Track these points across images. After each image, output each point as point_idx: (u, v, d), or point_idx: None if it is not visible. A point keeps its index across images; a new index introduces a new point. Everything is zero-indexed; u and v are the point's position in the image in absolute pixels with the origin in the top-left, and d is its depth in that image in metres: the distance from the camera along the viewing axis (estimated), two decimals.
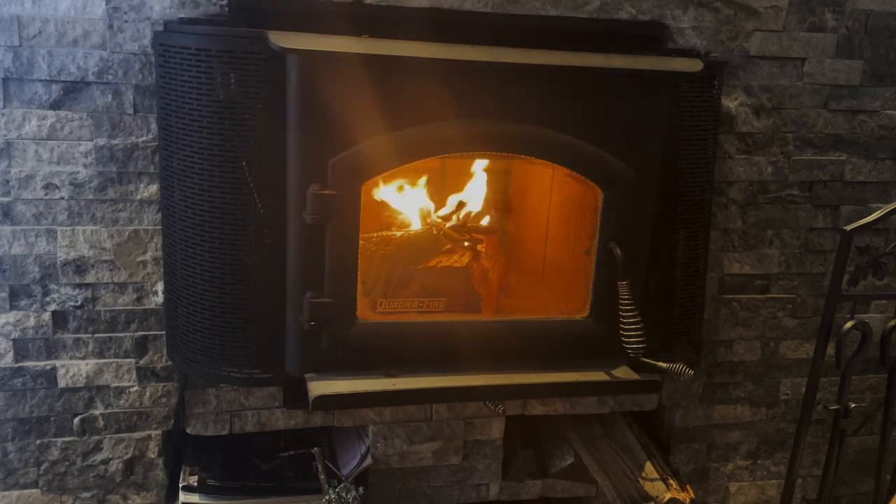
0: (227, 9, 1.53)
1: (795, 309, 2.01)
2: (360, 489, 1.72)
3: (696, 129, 1.69)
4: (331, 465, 1.82)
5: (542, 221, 1.87)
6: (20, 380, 1.65)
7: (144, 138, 1.58)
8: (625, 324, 1.62)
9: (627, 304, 1.61)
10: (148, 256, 1.64)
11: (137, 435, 1.74)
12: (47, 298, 1.62)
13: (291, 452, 1.86)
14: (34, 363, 1.65)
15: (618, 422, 2.04)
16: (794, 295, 2.00)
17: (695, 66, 1.60)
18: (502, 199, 2.02)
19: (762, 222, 1.92)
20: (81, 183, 1.58)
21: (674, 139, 1.66)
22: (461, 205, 1.90)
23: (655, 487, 1.85)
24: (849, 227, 1.59)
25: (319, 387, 1.52)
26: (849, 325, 1.63)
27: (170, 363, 1.69)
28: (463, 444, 1.92)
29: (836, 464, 1.72)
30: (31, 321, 1.63)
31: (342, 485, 1.73)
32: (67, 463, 1.72)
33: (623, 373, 1.67)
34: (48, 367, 1.66)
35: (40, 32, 1.49)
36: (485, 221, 1.98)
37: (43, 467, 1.71)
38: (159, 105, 1.52)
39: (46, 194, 1.57)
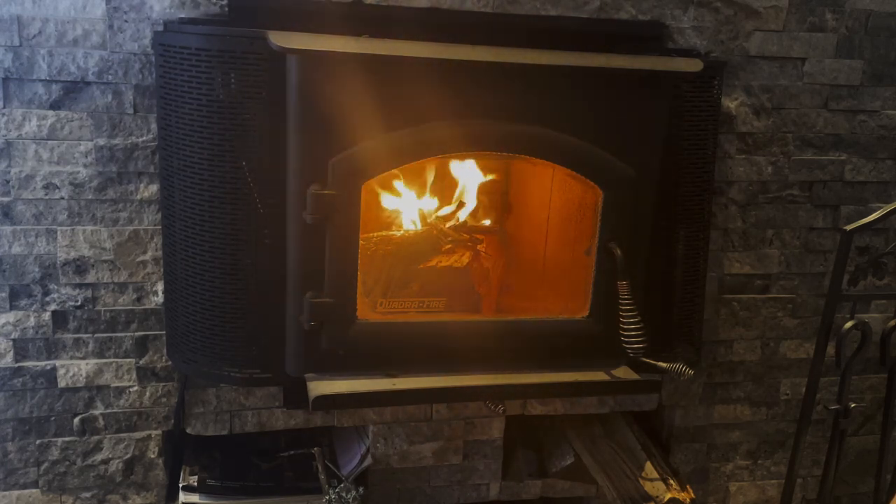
0: (227, 9, 1.53)
1: (795, 309, 2.01)
2: (360, 489, 1.72)
3: (696, 129, 1.69)
4: (331, 465, 1.82)
5: (542, 221, 1.87)
6: (20, 380, 1.65)
7: (144, 138, 1.58)
8: (625, 324, 1.62)
9: (627, 304, 1.61)
10: (148, 256, 1.64)
11: (137, 435, 1.74)
12: (47, 298, 1.62)
13: (291, 452, 1.86)
14: (34, 363, 1.65)
15: (618, 422, 2.04)
16: (794, 295, 2.00)
17: (695, 66, 1.60)
18: (502, 199, 2.02)
19: (762, 222, 1.92)
20: (81, 183, 1.58)
21: (674, 139, 1.66)
22: (461, 205, 1.90)
23: (655, 487, 1.85)
24: (849, 227, 1.59)
25: (319, 387, 1.52)
26: (849, 325, 1.63)
27: (170, 363, 1.69)
28: (463, 444, 1.92)
29: (836, 464, 1.72)
30: (31, 321, 1.63)
31: (342, 485, 1.74)
32: (67, 463, 1.72)
33: (623, 373, 1.67)
34: (48, 367, 1.66)
35: (40, 32, 1.49)
36: (485, 222, 1.98)
37: (43, 467, 1.71)
38: (159, 105, 1.52)
39: (46, 194, 1.57)
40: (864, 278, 1.70)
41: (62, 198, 1.58)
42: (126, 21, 1.51)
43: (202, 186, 1.48)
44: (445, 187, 1.90)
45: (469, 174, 1.87)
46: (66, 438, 1.71)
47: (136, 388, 1.71)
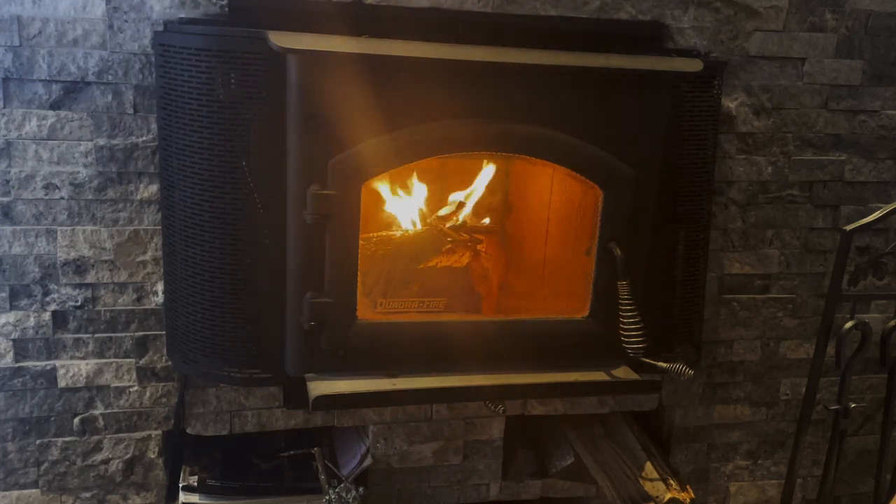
0: (227, 9, 1.53)
1: (795, 309, 2.01)
2: (360, 489, 1.72)
3: (696, 129, 1.69)
4: (331, 465, 1.82)
5: (542, 221, 1.87)
6: (20, 380, 1.65)
7: (144, 138, 1.58)
8: (625, 324, 1.62)
9: (627, 304, 1.61)
10: (148, 256, 1.64)
11: (137, 435, 1.74)
12: (47, 298, 1.62)
13: (291, 452, 1.86)
14: (34, 363, 1.65)
15: (618, 422, 2.04)
16: (794, 295, 2.00)
17: (695, 66, 1.60)
18: (502, 199, 2.02)
19: (762, 222, 1.92)
20: (81, 183, 1.58)
21: (674, 139, 1.66)
22: (461, 205, 1.90)
23: (655, 487, 1.85)
24: (849, 227, 1.59)
25: (319, 387, 1.52)
26: (849, 325, 1.62)
27: (170, 363, 1.69)
28: (463, 444, 1.92)
29: (836, 464, 1.72)
30: (31, 321, 1.63)
31: (342, 485, 1.73)
32: (67, 463, 1.72)
33: (623, 373, 1.67)
34: (48, 367, 1.66)
35: (40, 32, 1.49)
36: (485, 221, 1.98)
37: (43, 467, 1.71)
38: (159, 105, 1.52)
39: (46, 194, 1.57)
40: (864, 278, 1.70)
41: (62, 198, 1.58)
42: (126, 21, 1.51)
43: (202, 186, 1.48)
44: (445, 187, 1.90)
45: (469, 174, 1.86)
46: (66, 438, 1.71)
47: (136, 388, 1.71)
